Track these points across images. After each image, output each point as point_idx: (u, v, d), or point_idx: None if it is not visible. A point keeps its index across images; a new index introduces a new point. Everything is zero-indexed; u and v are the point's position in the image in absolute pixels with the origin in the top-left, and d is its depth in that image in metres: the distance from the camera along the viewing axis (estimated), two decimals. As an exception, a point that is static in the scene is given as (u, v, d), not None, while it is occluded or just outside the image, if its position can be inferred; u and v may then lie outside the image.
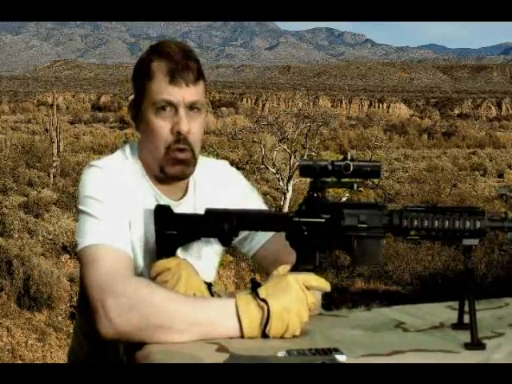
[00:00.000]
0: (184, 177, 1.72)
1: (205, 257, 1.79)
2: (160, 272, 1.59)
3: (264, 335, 1.46)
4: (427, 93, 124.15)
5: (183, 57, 1.67)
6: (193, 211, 1.74)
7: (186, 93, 1.66)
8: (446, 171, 31.27)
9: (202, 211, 1.65)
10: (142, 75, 1.69)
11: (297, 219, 1.56)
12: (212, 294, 1.61)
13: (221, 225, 1.60)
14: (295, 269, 1.55)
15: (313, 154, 23.45)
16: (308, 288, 1.49)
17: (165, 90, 1.65)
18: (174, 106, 1.66)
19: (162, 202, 1.71)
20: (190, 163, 1.70)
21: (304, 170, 1.53)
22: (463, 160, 38.06)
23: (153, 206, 1.66)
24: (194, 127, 1.68)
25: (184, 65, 1.66)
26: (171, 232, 1.63)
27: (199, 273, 1.63)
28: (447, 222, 1.48)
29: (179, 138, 1.66)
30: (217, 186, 1.83)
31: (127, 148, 1.77)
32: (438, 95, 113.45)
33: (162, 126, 1.66)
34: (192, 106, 1.68)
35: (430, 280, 14.78)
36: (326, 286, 1.52)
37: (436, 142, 50.75)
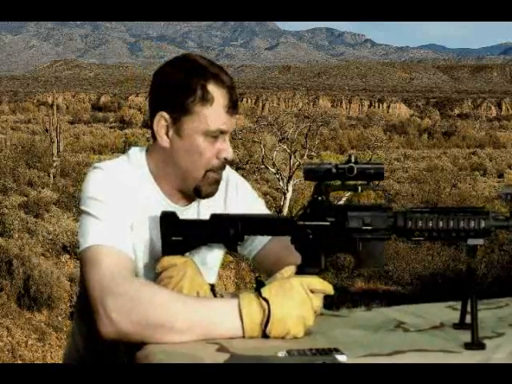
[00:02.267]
0: (214, 195, 1.76)
1: (208, 262, 1.79)
2: (166, 267, 1.59)
3: (265, 335, 1.46)
4: (427, 93, 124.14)
5: (235, 87, 1.72)
6: (196, 217, 1.76)
7: (234, 122, 1.72)
8: (446, 171, 31.28)
9: (206, 218, 1.66)
10: (190, 95, 1.65)
11: (301, 223, 1.56)
12: (215, 295, 1.61)
13: (226, 230, 1.60)
14: (300, 272, 1.55)
15: (313, 153, 23.47)
16: (312, 291, 1.49)
17: (222, 119, 1.67)
18: (223, 132, 1.69)
19: (168, 208, 1.71)
20: (220, 181, 1.76)
21: (308, 174, 1.54)
22: (463, 160, 38.09)
23: (158, 211, 1.66)
24: (231, 150, 1.74)
25: (237, 96, 1.72)
26: (177, 238, 1.63)
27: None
28: (452, 223, 1.48)
29: (223, 163, 1.71)
30: (221, 192, 1.83)
31: (131, 153, 1.76)
32: (438, 95, 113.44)
33: (210, 150, 1.68)
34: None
35: (430, 280, 14.79)
36: (330, 289, 1.52)
37: (436, 142, 50.79)
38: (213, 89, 1.66)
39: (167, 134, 1.69)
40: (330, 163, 1.52)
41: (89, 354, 1.80)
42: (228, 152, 1.70)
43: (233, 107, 1.68)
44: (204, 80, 1.66)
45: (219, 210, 1.77)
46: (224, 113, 1.67)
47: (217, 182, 1.73)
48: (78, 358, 1.86)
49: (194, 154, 1.68)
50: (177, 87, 1.66)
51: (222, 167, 1.72)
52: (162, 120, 1.69)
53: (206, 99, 1.65)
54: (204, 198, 1.75)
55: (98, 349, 1.68)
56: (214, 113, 1.66)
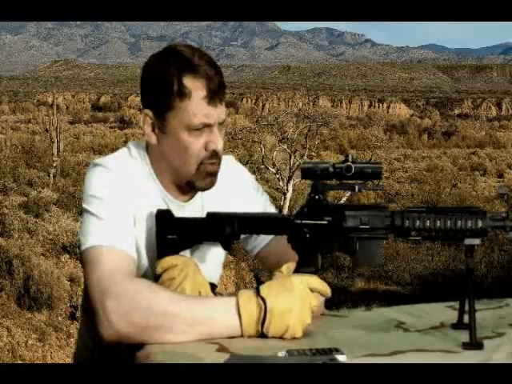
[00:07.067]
0: (212, 187, 1.71)
1: (209, 260, 1.77)
2: (167, 268, 1.58)
3: (263, 334, 1.45)
4: (427, 93, 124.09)
5: (216, 73, 1.63)
6: (200, 211, 1.73)
7: (220, 111, 1.65)
8: (446, 171, 31.29)
9: (209, 210, 1.65)
10: (168, 90, 1.61)
11: (298, 222, 1.55)
12: (215, 294, 1.60)
13: (222, 228, 1.60)
14: (297, 271, 1.55)
15: (313, 154, 23.48)
16: (312, 290, 1.49)
17: (203, 112, 1.61)
18: (208, 125, 1.64)
19: (169, 204, 1.70)
20: (218, 174, 1.70)
21: (305, 173, 1.53)
22: (463, 160, 38.06)
23: (159, 206, 1.65)
24: (222, 142, 1.68)
25: (220, 83, 1.63)
26: (172, 236, 1.62)
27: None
28: (449, 222, 1.48)
29: (213, 154, 1.65)
30: (224, 184, 1.79)
31: (132, 147, 1.73)
32: (438, 95, 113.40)
33: (196, 143, 1.63)
34: (221, 122, 1.67)
35: (430, 280, 14.80)
36: (327, 290, 1.52)
37: (436, 142, 50.78)
38: (189, 82, 1.60)
39: (154, 131, 1.67)
40: (328, 162, 1.52)
41: (101, 353, 1.77)
42: (216, 144, 1.64)
43: (214, 97, 1.62)
44: (179, 73, 1.61)
45: (223, 203, 1.75)
46: (205, 104, 1.61)
47: (211, 175, 1.67)
48: (89, 358, 1.84)
49: (181, 150, 1.64)
50: (156, 83, 1.64)
51: (214, 157, 1.66)
52: (147, 118, 1.67)
53: (183, 93, 1.60)
54: (200, 190, 1.72)
55: (107, 347, 1.66)
56: (194, 106, 1.60)
